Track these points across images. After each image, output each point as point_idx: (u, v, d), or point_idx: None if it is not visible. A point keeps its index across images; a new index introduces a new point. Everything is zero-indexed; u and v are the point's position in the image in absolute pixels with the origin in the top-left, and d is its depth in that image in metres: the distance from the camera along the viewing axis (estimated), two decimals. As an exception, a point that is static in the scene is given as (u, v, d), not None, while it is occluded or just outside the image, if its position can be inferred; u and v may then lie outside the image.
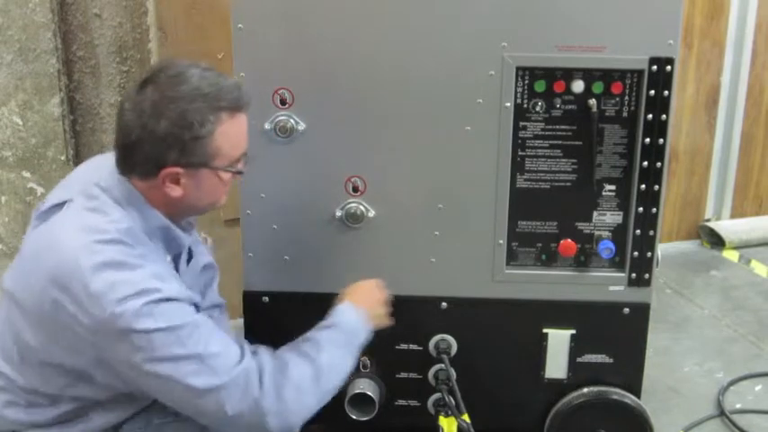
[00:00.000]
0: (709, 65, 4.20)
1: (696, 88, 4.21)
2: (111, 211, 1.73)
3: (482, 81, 2.17)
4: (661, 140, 2.21)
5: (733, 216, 4.53)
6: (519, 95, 2.20)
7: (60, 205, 1.78)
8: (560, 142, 2.24)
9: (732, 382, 3.05)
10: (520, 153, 2.25)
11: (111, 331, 1.63)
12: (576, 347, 2.39)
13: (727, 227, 4.45)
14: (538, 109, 2.21)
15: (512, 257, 2.33)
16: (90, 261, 1.64)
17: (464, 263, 2.31)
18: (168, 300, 1.66)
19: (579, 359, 2.40)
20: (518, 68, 2.17)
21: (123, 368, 1.69)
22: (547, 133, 2.23)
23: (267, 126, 2.20)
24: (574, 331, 2.38)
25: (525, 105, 2.21)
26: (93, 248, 1.66)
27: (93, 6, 3.19)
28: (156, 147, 1.70)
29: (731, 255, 4.35)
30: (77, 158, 3.28)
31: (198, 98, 1.70)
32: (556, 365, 2.41)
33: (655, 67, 2.15)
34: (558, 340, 2.38)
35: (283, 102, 2.20)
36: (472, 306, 2.33)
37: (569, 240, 2.31)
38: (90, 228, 1.69)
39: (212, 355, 1.67)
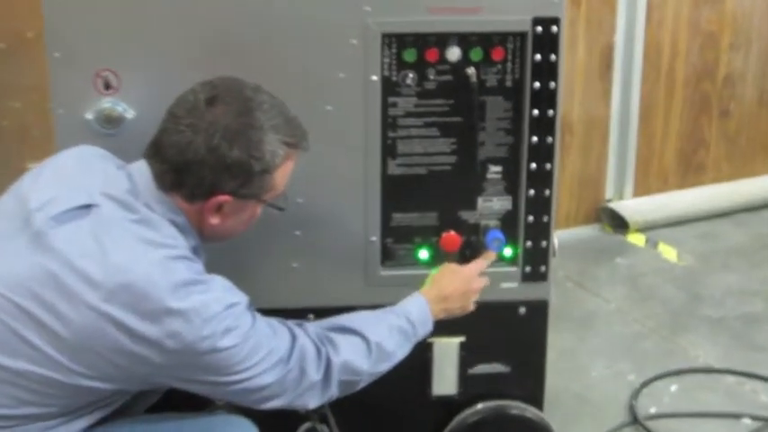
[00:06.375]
0: (600, 24, 4.34)
1: (587, 51, 4.33)
2: (162, 227, 1.86)
3: (343, 52, 2.20)
4: (551, 112, 2.28)
5: (636, 194, 4.68)
6: (386, 67, 2.24)
7: (82, 209, 1.83)
8: (436, 119, 2.29)
9: (645, 384, 3.19)
10: (390, 134, 2.29)
11: (193, 353, 1.78)
12: (467, 357, 2.45)
13: (631, 207, 4.61)
14: (409, 82, 2.25)
15: (387, 256, 2.37)
16: (168, 280, 1.76)
17: (332, 266, 2.35)
18: (244, 309, 1.86)
19: (471, 371, 2.46)
20: (384, 35, 2.20)
21: (179, 382, 1.86)
22: (420, 110, 2.28)
23: (89, 116, 2.17)
24: (463, 339, 2.44)
25: (394, 78, 2.25)
26: (168, 266, 1.79)
27: None
28: (219, 173, 1.85)
29: (636, 239, 4.51)
30: None
31: (273, 129, 1.88)
32: (444, 380, 2.46)
33: (539, 29, 2.22)
34: (445, 350, 2.44)
35: (108, 85, 2.18)
36: (344, 317, 2.36)
37: (452, 233, 2.36)
38: (153, 242, 1.82)
39: (274, 349, 1.89)
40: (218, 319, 1.79)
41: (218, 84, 1.91)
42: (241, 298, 1.88)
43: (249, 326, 1.85)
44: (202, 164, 1.84)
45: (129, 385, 1.89)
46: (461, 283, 2.23)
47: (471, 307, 2.26)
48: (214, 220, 1.92)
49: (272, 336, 1.90)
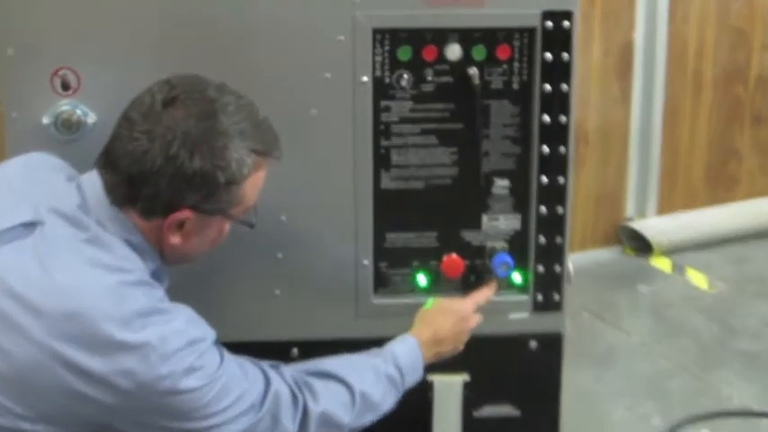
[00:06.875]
0: (617, 19, 4.35)
1: (604, 49, 4.35)
2: (116, 248, 1.83)
3: (329, 49, 2.20)
4: (563, 118, 2.28)
5: (660, 212, 4.70)
6: (378, 67, 2.23)
7: (26, 226, 1.82)
8: (435, 126, 2.28)
9: (672, 429, 3.18)
10: (383, 143, 2.28)
11: (150, 394, 1.75)
12: (472, 398, 2.43)
13: (654, 226, 4.62)
14: (403, 83, 2.25)
15: (381, 282, 2.37)
16: (122, 309, 1.73)
17: (318, 294, 2.34)
18: (210, 346, 1.83)
19: (476, 413, 2.45)
20: (375, 31, 2.20)
21: (133, 426, 1.82)
22: (417, 115, 2.27)
23: (45, 120, 2.16)
24: (466, 377, 2.42)
25: (387, 80, 2.25)
26: (122, 293, 1.75)
27: None
28: (178, 185, 1.81)
29: (661, 263, 4.51)
30: None
31: (239, 134, 1.84)
32: (446, 424, 2.44)
33: (549, 24, 2.22)
34: (447, 390, 2.42)
35: (66, 86, 2.18)
36: (332, 350, 2.32)
37: (454, 256, 2.35)
38: (106, 265, 1.79)
39: (244, 393, 1.86)
40: (180, 356, 1.75)
41: (177, 83, 1.87)
42: (207, 332, 1.85)
43: (216, 366, 1.82)
44: (159, 175, 1.80)
45: (77, 430, 1.83)
46: (457, 323, 2.24)
47: (462, 347, 2.25)
48: (175, 240, 1.89)
49: (243, 378, 1.87)
